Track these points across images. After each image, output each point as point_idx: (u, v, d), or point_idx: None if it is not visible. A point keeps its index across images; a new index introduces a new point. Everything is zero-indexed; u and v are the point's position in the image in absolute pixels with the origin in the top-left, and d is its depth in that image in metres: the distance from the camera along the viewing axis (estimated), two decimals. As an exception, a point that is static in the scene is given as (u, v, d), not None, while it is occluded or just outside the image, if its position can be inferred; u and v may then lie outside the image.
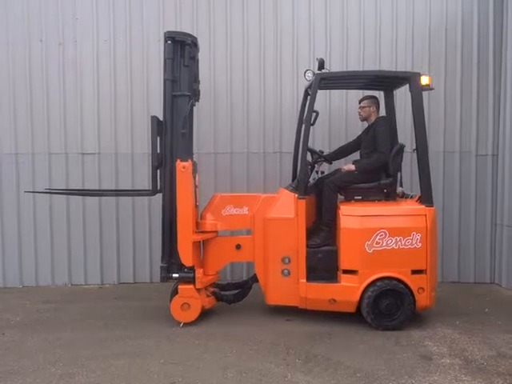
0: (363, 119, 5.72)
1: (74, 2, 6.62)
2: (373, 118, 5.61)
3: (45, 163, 6.66)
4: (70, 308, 5.76)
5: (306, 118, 5.29)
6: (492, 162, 6.73)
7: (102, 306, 5.81)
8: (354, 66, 6.62)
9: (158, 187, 5.22)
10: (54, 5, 6.60)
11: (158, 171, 5.21)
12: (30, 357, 4.33)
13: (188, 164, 4.98)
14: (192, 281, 5.05)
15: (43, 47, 6.62)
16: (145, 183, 6.44)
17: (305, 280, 5.08)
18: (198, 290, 5.09)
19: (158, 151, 5.17)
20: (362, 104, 5.67)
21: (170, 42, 5.01)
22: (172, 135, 5.08)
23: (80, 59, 6.66)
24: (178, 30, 6.25)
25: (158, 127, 5.14)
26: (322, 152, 5.83)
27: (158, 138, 5.17)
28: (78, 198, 6.68)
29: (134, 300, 6.03)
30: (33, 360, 4.26)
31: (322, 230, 5.32)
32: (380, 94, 6.11)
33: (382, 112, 5.86)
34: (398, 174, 5.62)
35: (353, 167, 5.43)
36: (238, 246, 5.37)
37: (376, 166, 5.38)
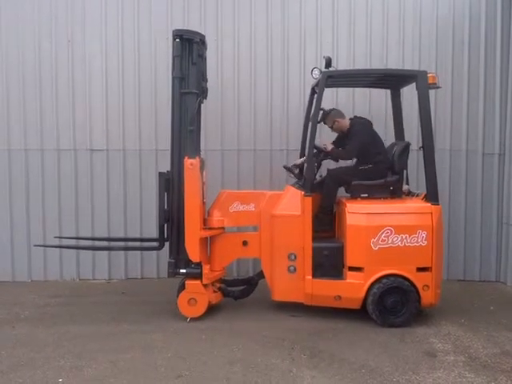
0: (341, 132, 5.73)
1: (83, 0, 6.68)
2: (347, 124, 5.63)
3: (54, 159, 6.73)
4: (79, 302, 5.83)
5: (313, 115, 5.33)
6: (499, 161, 6.73)
7: (109, 300, 5.88)
8: (360, 64, 6.62)
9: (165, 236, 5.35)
10: (64, 3, 6.64)
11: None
12: (40, 350, 4.40)
13: (196, 161, 5.02)
14: (199, 276, 5.11)
15: (53, 45, 6.67)
16: (152, 180, 6.55)
17: (310, 277, 5.12)
18: (205, 285, 5.14)
19: (166, 207, 5.26)
20: (328, 126, 5.73)
21: (178, 39, 5.04)
22: (180, 132, 5.13)
23: (89, 57, 6.70)
24: (186, 27, 6.29)
25: (166, 184, 5.22)
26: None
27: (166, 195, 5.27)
28: (86, 194, 6.76)
29: (142, 295, 6.10)
30: (42, 353, 4.33)
31: (317, 216, 5.38)
32: (387, 92, 6.16)
33: (388, 110, 5.92)
34: (404, 172, 5.67)
35: (329, 148, 5.50)
36: (245, 243, 5.41)
37: (343, 158, 5.66)
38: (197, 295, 5.11)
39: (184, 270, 5.14)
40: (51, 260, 6.78)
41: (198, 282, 5.11)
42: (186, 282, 5.14)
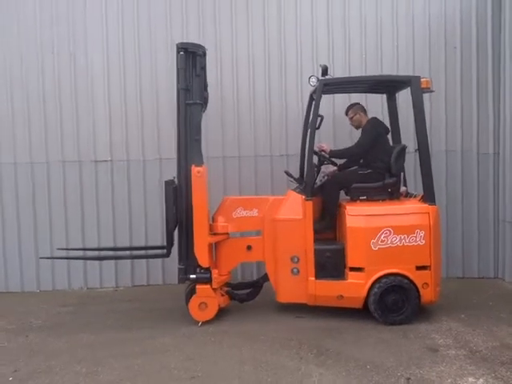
0: (357, 127, 5.91)
1: (84, 13, 6.82)
2: (364, 122, 5.81)
3: (59, 171, 6.87)
4: (88, 310, 5.96)
5: (311, 122, 5.47)
6: (493, 160, 6.89)
7: (118, 308, 6.01)
8: (356, 70, 6.80)
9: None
10: (65, 16, 6.80)
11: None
12: (55, 357, 4.52)
13: (203, 169, 5.18)
14: (209, 281, 5.25)
15: (55, 58, 6.82)
16: (156, 189, 6.74)
17: (313, 278, 5.26)
18: (214, 289, 5.29)
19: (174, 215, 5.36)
20: (349, 115, 5.90)
21: (182, 52, 5.19)
22: (186, 142, 5.28)
23: (91, 69, 6.86)
24: (185, 38, 6.47)
25: (174, 192, 5.32)
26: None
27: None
28: (91, 201, 6.90)
29: (149, 302, 6.22)
30: (58, 360, 4.45)
31: (324, 218, 5.58)
32: (382, 97, 6.32)
33: (385, 114, 6.09)
34: (402, 174, 5.82)
35: (328, 149, 5.66)
36: (249, 247, 5.55)
37: (347, 156, 5.78)
38: (207, 299, 5.25)
39: (194, 276, 5.28)
40: (59, 270, 6.90)
41: (208, 286, 5.25)
42: (197, 287, 5.27)
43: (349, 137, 6.63)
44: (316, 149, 5.63)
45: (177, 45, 5.28)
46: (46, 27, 6.82)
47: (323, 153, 5.66)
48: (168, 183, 5.41)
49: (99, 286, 6.97)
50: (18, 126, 6.84)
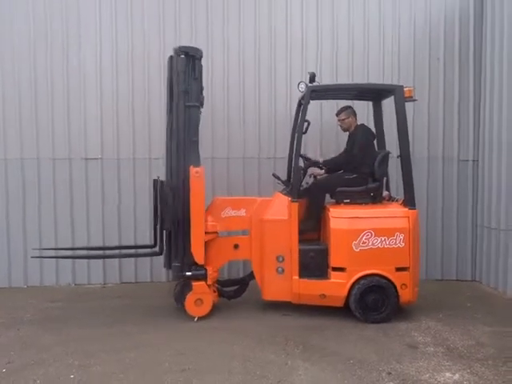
0: (345, 130, 6.12)
1: (78, 12, 6.90)
2: (353, 127, 6.02)
3: (49, 168, 6.93)
4: (77, 306, 6.03)
5: (299, 127, 5.65)
6: (473, 167, 7.15)
7: (107, 304, 6.09)
8: (343, 77, 7.02)
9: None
10: (59, 15, 6.87)
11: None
12: (47, 350, 4.60)
13: (201, 169, 5.32)
14: (204, 277, 5.40)
15: (48, 57, 6.89)
16: (146, 188, 6.84)
17: (297, 277, 5.44)
18: (208, 286, 5.45)
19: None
20: (340, 117, 6.06)
21: (183, 56, 5.31)
22: (184, 143, 5.39)
23: (84, 68, 6.94)
24: (177, 41, 6.58)
25: (172, 192, 5.40)
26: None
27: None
28: (81, 198, 6.98)
29: (138, 299, 6.32)
30: (50, 353, 4.54)
31: (309, 220, 5.76)
32: (368, 104, 6.53)
33: (370, 119, 6.30)
34: (385, 179, 6.03)
35: (318, 174, 5.96)
36: (236, 246, 5.72)
37: (340, 164, 5.90)
38: (203, 295, 5.41)
39: (190, 273, 5.39)
40: (47, 266, 6.94)
41: (203, 282, 5.40)
42: (193, 284, 5.40)
43: (335, 141, 6.85)
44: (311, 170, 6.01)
45: (176, 48, 5.38)
46: (39, 26, 6.88)
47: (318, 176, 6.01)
48: (161, 182, 5.51)
49: (87, 282, 7.05)
50: (8, 121, 6.89)
